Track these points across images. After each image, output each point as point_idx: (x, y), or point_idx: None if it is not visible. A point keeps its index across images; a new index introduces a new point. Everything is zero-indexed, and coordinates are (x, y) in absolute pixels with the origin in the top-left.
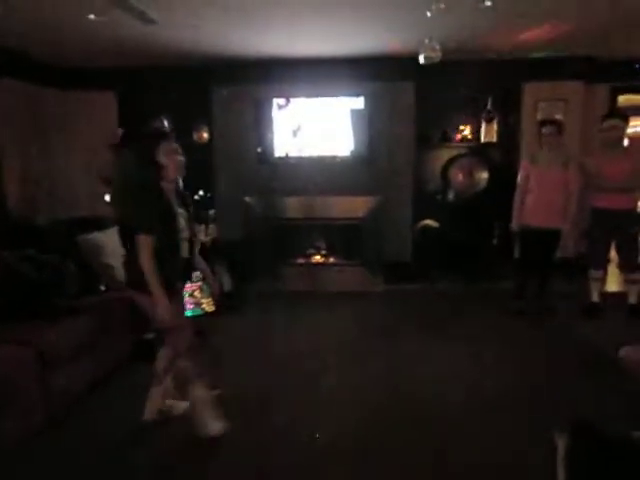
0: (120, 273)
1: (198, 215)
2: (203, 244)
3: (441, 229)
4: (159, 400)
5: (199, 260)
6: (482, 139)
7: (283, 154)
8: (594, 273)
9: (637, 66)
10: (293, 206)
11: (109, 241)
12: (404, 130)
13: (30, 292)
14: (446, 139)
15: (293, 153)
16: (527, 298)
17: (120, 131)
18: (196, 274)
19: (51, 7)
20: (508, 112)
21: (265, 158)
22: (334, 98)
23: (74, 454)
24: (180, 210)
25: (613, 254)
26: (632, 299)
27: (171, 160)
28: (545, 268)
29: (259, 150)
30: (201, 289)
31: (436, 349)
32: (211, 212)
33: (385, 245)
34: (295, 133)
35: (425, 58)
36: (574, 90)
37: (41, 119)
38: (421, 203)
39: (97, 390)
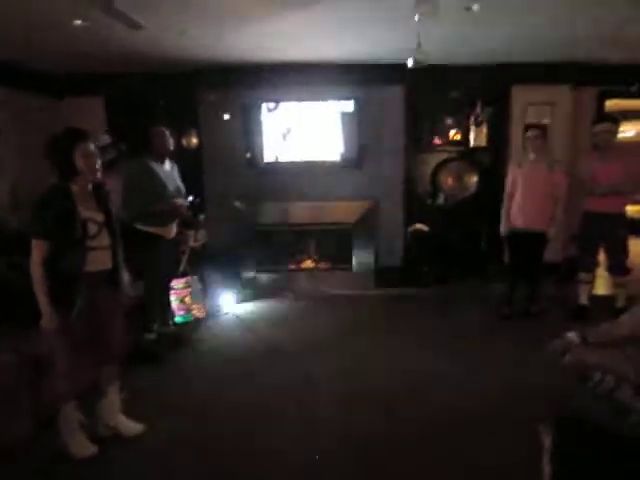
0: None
1: (188, 220)
2: (193, 249)
3: (432, 233)
4: (107, 414)
5: (123, 271)
6: (471, 143)
7: (272, 159)
8: (583, 276)
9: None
10: (282, 211)
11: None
12: (394, 134)
13: (17, 300)
14: (436, 143)
15: (282, 158)
16: (516, 302)
17: (104, 136)
18: (187, 279)
19: (37, 14)
20: (497, 116)
21: (254, 163)
22: (323, 102)
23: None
24: (92, 215)
25: (602, 257)
26: (620, 302)
27: (87, 163)
28: (533, 271)
29: (248, 155)
30: (191, 295)
31: (423, 351)
32: (201, 217)
33: (376, 249)
34: (284, 137)
35: (414, 62)
36: (562, 94)
37: (29, 126)
38: (412, 207)
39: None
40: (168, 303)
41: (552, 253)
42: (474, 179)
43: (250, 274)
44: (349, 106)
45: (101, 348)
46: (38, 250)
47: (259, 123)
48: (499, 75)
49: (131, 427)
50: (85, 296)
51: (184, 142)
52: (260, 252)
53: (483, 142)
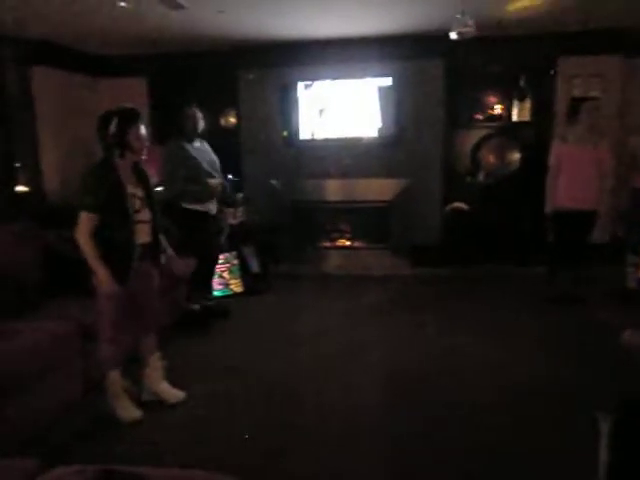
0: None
1: (226, 198)
2: (232, 227)
3: (471, 212)
4: (151, 382)
5: (165, 244)
6: (514, 118)
7: (309, 137)
8: (631, 258)
9: None
10: (319, 189)
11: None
12: (433, 110)
13: (69, 270)
14: (476, 118)
15: (319, 135)
16: (561, 284)
17: None
18: (226, 255)
19: None
20: (542, 89)
21: (291, 141)
22: (361, 79)
23: (108, 422)
24: (134, 190)
25: None
26: None
27: (139, 143)
28: (580, 252)
29: (285, 133)
30: (230, 270)
31: (463, 334)
32: (239, 195)
33: (413, 228)
34: (321, 115)
35: (457, 34)
36: (612, 65)
37: (74, 106)
38: (450, 185)
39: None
40: (211, 277)
41: (599, 233)
42: (516, 156)
43: (286, 251)
44: (387, 83)
45: (141, 318)
46: (86, 222)
47: (296, 101)
48: (544, 46)
49: (173, 393)
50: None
51: (222, 121)
52: (296, 230)
53: (526, 117)
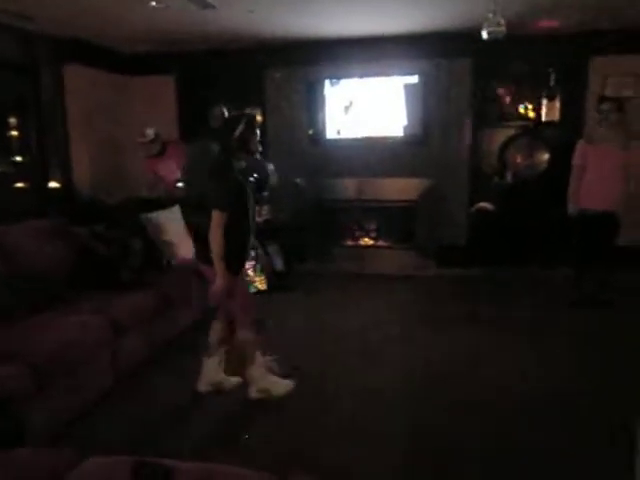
0: (180, 249)
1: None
2: (257, 224)
3: (498, 212)
4: (213, 372)
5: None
6: (543, 118)
7: (335, 135)
8: None
9: None
10: (344, 188)
11: (170, 220)
12: (460, 109)
13: (100, 266)
14: (504, 118)
15: (345, 134)
16: (587, 287)
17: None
18: (250, 254)
19: None
20: (572, 89)
21: (317, 139)
22: (387, 77)
23: (138, 414)
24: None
25: None
26: None
27: (255, 145)
28: (605, 255)
29: (311, 132)
30: (254, 268)
31: (487, 337)
32: (264, 194)
33: (439, 228)
34: (347, 113)
35: (489, 33)
36: None
37: (105, 103)
38: (476, 185)
39: (161, 357)
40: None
41: (629, 237)
42: (545, 156)
43: (311, 250)
44: (413, 80)
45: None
46: (220, 220)
47: (322, 99)
48: (576, 45)
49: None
50: None
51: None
52: (321, 228)
53: (556, 117)
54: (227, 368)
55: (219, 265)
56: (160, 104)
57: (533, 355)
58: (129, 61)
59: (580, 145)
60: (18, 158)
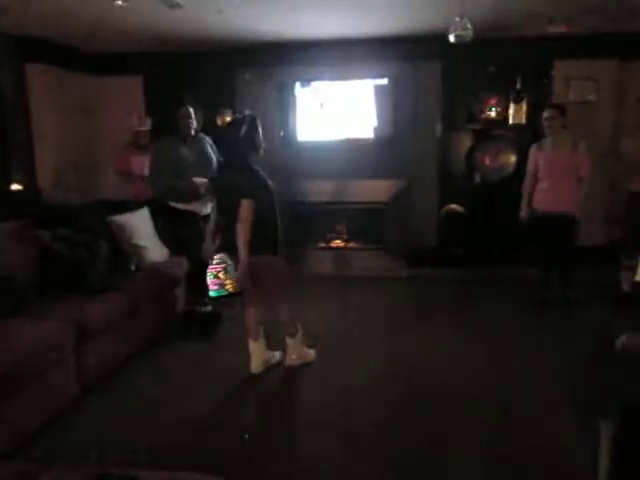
0: (149, 253)
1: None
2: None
3: (467, 213)
4: (260, 352)
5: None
6: (510, 120)
7: (306, 137)
8: (627, 261)
9: None
10: (315, 190)
11: (139, 222)
12: (430, 111)
13: (65, 270)
14: (473, 120)
15: (316, 136)
16: (553, 287)
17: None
18: (220, 255)
19: None
20: (538, 92)
21: (288, 141)
22: (358, 80)
23: (105, 422)
24: None
25: None
26: None
27: (259, 141)
28: (566, 256)
29: (282, 133)
30: (225, 270)
31: (457, 335)
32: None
33: (409, 229)
34: (318, 116)
35: (456, 37)
36: (607, 69)
37: (69, 104)
38: (446, 187)
39: (129, 364)
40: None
41: (593, 236)
42: (512, 158)
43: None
44: (384, 82)
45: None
46: (249, 208)
47: (293, 101)
48: (540, 49)
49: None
50: None
51: (218, 121)
52: (292, 230)
53: (522, 120)
54: (269, 343)
55: (245, 250)
56: (128, 104)
57: (500, 353)
58: (96, 61)
59: (532, 150)
60: None
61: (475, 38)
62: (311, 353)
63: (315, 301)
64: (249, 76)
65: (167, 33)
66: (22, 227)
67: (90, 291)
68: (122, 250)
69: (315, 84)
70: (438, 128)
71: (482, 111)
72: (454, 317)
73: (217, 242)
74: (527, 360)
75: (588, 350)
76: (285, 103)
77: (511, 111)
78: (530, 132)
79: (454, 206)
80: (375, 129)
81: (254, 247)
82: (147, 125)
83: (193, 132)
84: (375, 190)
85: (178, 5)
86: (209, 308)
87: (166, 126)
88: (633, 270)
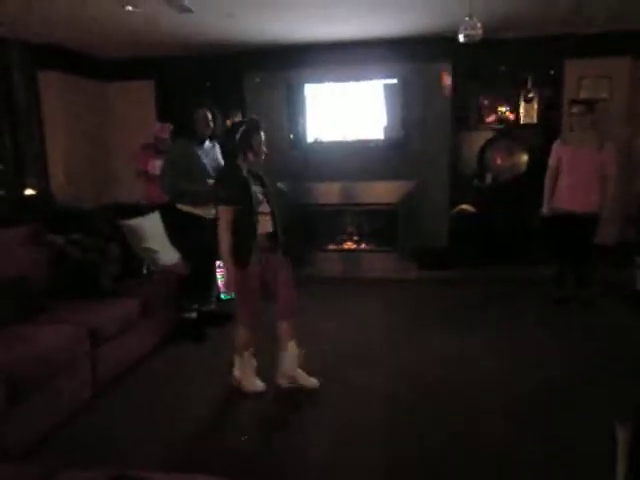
0: (161, 256)
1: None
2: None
3: (478, 214)
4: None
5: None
6: (521, 120)
7: (315, 139)
8: None
9: None
10: (326, 192)
11: (150, 226)
12: (440, 112)
13: (77, 273)
14: (483, 120)
15: (325, 138)
16: (568, 286)
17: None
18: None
19: (89, 0)
20: (549, 91)
21: (297, 143)
22: (368, 81)
23: (118, 425)
24: (255, 187)
25: None
26: None
27: (259, 148)
28: (583, 255)
29: (292, 136)
30: None
31: (471, 337)
32: None
33: (420, 231)
34: (327, 118)
35: (465, 37)
36: (620, 66)
37: (82, 110)
38: (457, 187)
39: (141, 366)
40: (213, 281)
41: (607, 235)
42: (524, 158)
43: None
44: (393, 82)
45: (275, 303)
46: (226, 215)
47: (302, 104)
48: (552, 48)
49: (310, 380)
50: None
51: (229, 124)
52: (303, 233)
53: (534, 119)
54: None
55: (227, 254)
56: (139, 109)
57: (516, 354)
58: (107, 67)
59: (556, 146)
60: None
61: (485, 37)
62: (309, 381)
63: (325, 303)
64: (258, 79)
65: (177, 38)
66: (35, 231)
67: (102, 295)
68: (133, 254)
69: (324, 86)
70: (448, 128)
71: (493, 111)
72: (467, 319)
73: None
74: (543, 361)
75: (606, 350)
76: (294, 105)
77: (522, 110)
78: (541, 131)
79: (465, 206)
80: (385, 129)
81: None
82: (168, 133)
83: (210, 136)
84: (386, 191)
85: (188, 10)
86: (213, 307)
87: (182, 130)
88: None
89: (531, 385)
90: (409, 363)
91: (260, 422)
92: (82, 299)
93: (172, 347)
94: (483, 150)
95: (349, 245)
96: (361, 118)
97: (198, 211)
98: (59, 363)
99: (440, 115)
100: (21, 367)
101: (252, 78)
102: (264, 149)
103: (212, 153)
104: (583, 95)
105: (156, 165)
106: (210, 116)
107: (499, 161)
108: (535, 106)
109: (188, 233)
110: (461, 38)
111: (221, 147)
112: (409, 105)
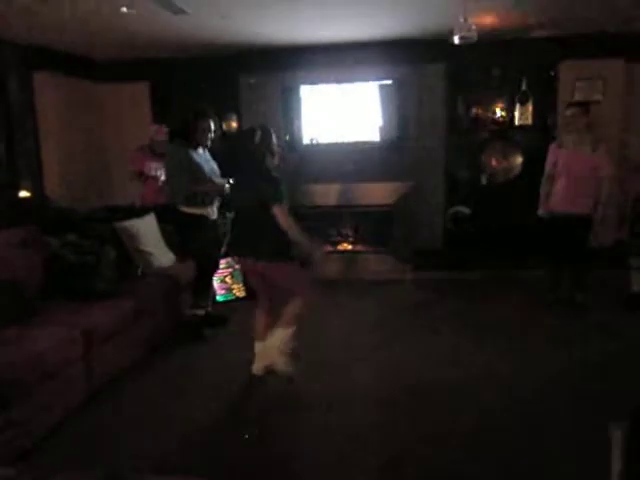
0: (156, 258)
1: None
2: None
3: (473, 215)
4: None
5: None
6: (516, 121)
7: (311, 141)
8: (635, 261)
9: None
10: (322, 193)
11: (145, 228)
12: (435, 113)
13: (72, 275)
14: (478, 122)
15: (321, 139)
16: (562, 288)
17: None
18: (228, 260)
19: (83, 2)
20: (544, 93)
21: (293, 145)
22: (363, 83)
23: (112, 427)
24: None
25: None
26: None
27: (274, 147)
28: (578, 257)
29: (287, 137)
30: (232, 275)
31: (466, 339)
32: None
33: (416, 232)
34: (323, 119)
35: (460, 39)
36: (614, 68)
37: (76, 111)
38: (453, 189)
39: (137, 368)
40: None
41: (601, 237)
42: (519, 160)
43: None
44: (388, 83)
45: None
46: (284, 211)
47: (298, 105)
48: (546, 50)
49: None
50: None
51: (224, 126)
52: None
53: (529, 121)
54: None
55: (304, 238)
56: (135, 111)
57: (511, 356)
58: (102, 68)
59: (552, 148)
60: None
61: (480, 39)
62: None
63: (320, 304)
64: (253, 80)
65: (172, 39)
66: (30, 234)
67: (97, 297)
68: (129, 256)
69: (320, 87)
70: (443, 130)
71: (488, 112)
72: (461, 320)
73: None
74: (538, 363)
75: (600, 352)
76: (290, 107)
77: (517, 112)
78: (536, 133)
79: (460, 208)
80: (381, 132)
81: (274, 253)
82: (164, 135)
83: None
84: (381, 192)
85: (183, 11)
86: (209, 309)
87: (178, 133)
88: None
89: (527, 386)
90: (404, 364)
91: (259, 422)
92: (77, 301)
93: (168, 349)
94: (478, 152)
95: (345, 246)
96: (356, 119)
97: (201, 211)
98: (53, 365)
99: (435, 116)
100: (14, 369)
101: (247, 80)
102: (278, 148)
103: (204, 157)
104: (577, 97)
105: (152, 167)
106: (213, 127)
107: (494, 163)
108: (530, 108)
109: (192, 233)
110: (456, 40)
111: (211, 152)
112: (404, 106)
